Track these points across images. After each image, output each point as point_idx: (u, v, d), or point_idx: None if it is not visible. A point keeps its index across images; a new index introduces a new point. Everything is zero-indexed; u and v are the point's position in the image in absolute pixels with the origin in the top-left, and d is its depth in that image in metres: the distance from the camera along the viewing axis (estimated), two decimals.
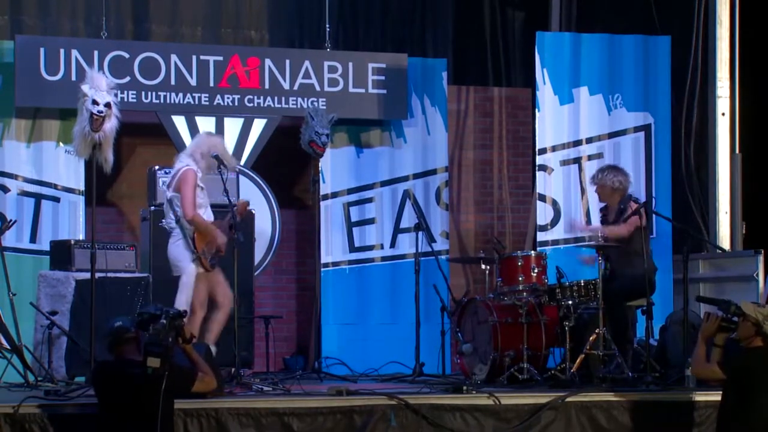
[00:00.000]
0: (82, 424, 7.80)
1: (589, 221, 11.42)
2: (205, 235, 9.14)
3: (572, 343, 9.49)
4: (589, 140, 11.68)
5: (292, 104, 11.28)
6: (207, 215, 9.25)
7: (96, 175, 9.23)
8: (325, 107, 11.23)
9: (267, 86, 11.21)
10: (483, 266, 10.38)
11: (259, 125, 11.26)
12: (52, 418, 7.79)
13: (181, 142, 10.99)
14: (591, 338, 9.44)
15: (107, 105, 9.07)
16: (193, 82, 11.04)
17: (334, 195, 11.56)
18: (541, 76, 11.59)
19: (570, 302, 9.61)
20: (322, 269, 11.42)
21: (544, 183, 11.66)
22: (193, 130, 10.97)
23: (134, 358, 7.15)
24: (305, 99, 11.29)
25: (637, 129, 11.71)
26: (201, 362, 7.73)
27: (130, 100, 10.80)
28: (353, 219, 11.62)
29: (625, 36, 11.75)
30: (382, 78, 11.48)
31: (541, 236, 11.65)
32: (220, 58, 11.13)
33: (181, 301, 9.04)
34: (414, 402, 8.41)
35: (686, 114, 11.89)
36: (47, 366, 9.45)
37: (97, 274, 9.21)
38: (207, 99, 11.07)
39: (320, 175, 11.39)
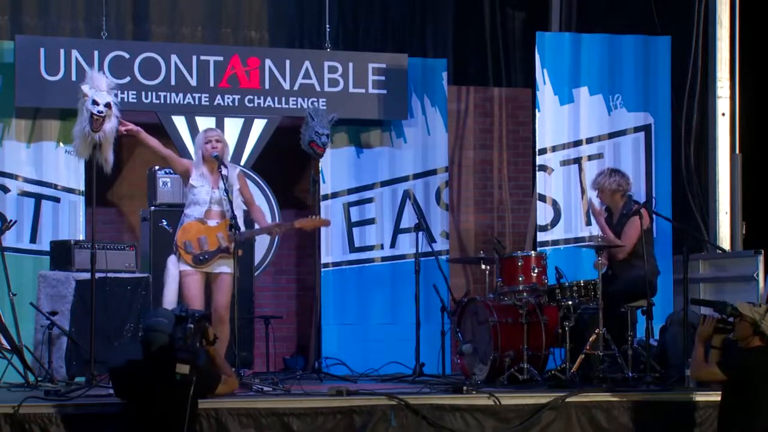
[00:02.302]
0: (82, 424, 7.81)
1: (589, 221, 11.42)
2: (190, 229, 9.15)
3: (572, 343, 9.49)
4: (589, 140, 11.68)
5: (292, 104, 11.28)
6: (197, 213, 9.22)
7: (96, 175, 9.23)
8: (325, 107, 11.23)
9: (267, 86, 11.20)
10: (483, 266, 10.38)
11: (259, 125, 11.26)
12: (52, 418, 7.79)
13: (181, 142, 10.99)
14: (591, 338, 9.44)
15: (107, 105, 9.07)
16: (193, 82, 11.04)
17: (334, 195, 11.56)
18: (541, 76, 11.59)
19: (570, 302, 9.61)
20: (322, 269, 11.43)
21: (544, 183, 11.66)
22: (193, 130, 10.97)
23: (164, 361, 7.13)
24: (305, 99, 11.28)
25: (637, 129, 11.71)
26: (224, 364, 7.75)
27: (130, 100, 10.80)
28: (353, 219, 11.62)
29: (625, 36, 11.75)
30: (382, 78, 11.48)
31: (541, 236, 11.65)
32: (220, 58, 11.13)
33: (167, 297, 9.04)
34: (414, 402, 8.41)
35: (686, 114, 11.89)
36: (47, 366, 9.45)
37: (97, 275, 9.21)
38: (207, 99, 11.06)
39: (320, 175, 11.40)
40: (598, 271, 9.56)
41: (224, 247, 9.13)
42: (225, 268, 9.12)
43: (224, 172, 9.18)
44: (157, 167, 10.60)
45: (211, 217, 9.23)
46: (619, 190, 9.99)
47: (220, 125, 11.03)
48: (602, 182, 10.02)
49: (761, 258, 10.74)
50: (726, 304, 7.89)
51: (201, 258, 9.13)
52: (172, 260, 9.18)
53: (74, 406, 7.94)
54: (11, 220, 10.17)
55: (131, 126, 9.28)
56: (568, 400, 8.66)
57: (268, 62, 11.24)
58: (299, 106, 11.25)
